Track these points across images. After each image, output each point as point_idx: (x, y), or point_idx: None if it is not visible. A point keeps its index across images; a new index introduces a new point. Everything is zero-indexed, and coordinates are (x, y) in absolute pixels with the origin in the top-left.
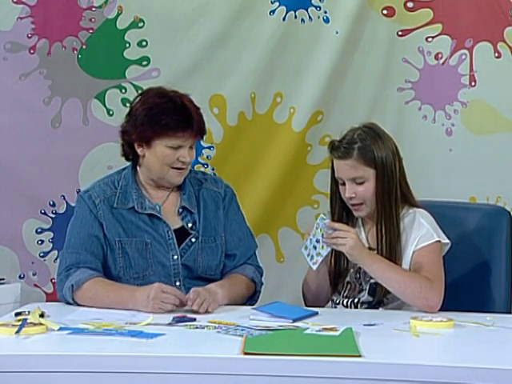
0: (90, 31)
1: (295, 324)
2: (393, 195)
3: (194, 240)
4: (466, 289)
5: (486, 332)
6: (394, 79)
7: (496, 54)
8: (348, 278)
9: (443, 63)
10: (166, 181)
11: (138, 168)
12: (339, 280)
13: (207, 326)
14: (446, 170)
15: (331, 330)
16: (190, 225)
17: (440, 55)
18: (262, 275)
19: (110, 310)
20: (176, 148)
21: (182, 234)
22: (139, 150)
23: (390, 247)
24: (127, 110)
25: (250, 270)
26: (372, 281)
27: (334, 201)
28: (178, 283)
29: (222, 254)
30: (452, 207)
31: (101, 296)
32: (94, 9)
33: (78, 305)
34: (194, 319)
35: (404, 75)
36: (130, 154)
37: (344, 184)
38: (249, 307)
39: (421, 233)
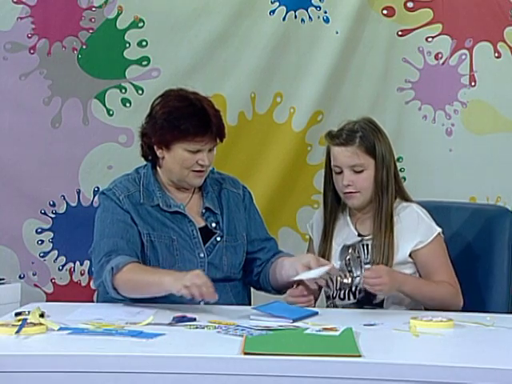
0: (90, 31)
1: (295, 324)
2: (390, 187)
3: (218, 239)
4: (467, 289)
5: (486, 332)
6: (394, 79)
7: (496, 54)
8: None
9: (443, 63)
10: (185, 183)
11: (158, 169)
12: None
13: (207, 326)
14: (446, 170)
15: (331, 329)
16: (213, 225)
17: (440, 55)
18: None
19: (110, 310)
20: (195, 152)
21: (205, 233)
22: (159, 153)
23: (385, 238)
24: (127, 109)
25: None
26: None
27: (327, 191)
28: None
29: (243, 253)
30: (453, 207)
31: (137, 278)
32: (94, 9)
33: (117, 292)
34: (194, 319)
35: (404, 75)
36: (149, 155)
37: (340, 173)
38: (249, 307)
39: (422, 227)
